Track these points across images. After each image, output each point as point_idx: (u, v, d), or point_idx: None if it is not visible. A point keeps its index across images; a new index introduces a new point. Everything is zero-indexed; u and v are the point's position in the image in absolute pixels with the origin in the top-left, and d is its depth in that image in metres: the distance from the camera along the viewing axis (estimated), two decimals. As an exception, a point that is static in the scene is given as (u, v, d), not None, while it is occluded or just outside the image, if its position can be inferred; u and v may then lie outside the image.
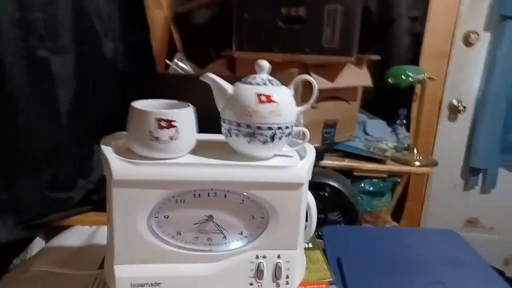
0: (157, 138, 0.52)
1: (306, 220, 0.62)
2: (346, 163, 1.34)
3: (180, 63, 1.27)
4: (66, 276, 0.61)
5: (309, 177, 0.57)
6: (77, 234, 0.79)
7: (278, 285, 0.58)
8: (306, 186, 0.57)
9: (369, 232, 0.98)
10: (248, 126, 0.54)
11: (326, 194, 1.06)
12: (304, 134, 0.60)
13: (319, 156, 1.29)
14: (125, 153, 0.54)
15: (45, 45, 0.72)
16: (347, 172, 1.28)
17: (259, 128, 0.54)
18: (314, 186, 0.62)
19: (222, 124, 0.58)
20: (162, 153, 0.53)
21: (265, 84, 0.56)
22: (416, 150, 1.38)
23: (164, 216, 0.55)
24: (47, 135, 0.77)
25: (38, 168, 0.78)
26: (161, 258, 0.55)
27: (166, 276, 0.55)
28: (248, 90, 0.55)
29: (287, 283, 0.58)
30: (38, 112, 0.75)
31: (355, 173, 1.35)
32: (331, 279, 0.65)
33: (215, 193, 0.55)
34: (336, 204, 1.07)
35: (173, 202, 0.54)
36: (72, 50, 0.78)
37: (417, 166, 1.35)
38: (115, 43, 0.96)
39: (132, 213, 0.53)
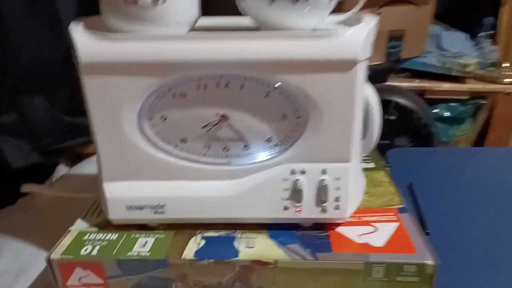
0: (134, 1, 0.34)
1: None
2: (416, 83, 1.08)
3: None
4: (70, 200, 0.50)
5: (367, 55, 0.37)
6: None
7: (324, 210, 0.40)
8: (362, 67, 0.36)
9: (447, 153, 0.75)
10: (268, -27, 0.34)
11: (392, 115, 0.83)
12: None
13: (383, 76, 1.04)
14: (101, 31, 0.37)
15: None
16: (417, 95, 1.03)
17: (285, -26, 0.34)
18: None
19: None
20: (146, 23, 0.35)
21: None
22: (507, 65, 1.08)
23: (161, 117, 0.38)
24: (51, 50, 0.64)
25: (48, 89, 0.65)
26: (163, 174, 0.40)
27: (172, 196, 0.40)
28: None
29: (337, 207, 0.40)
30: (33, 23, 0.61)
31: (427, 96, 1.09)
32: (401, 206, 0.45)
33: (228, 83, 0.37)
34: (404, 126, 0.84)
35: (169, 97, 0.37)
36: None
37: (507, 83, 1.06)
38: None
39: (115, 112, 0.37)
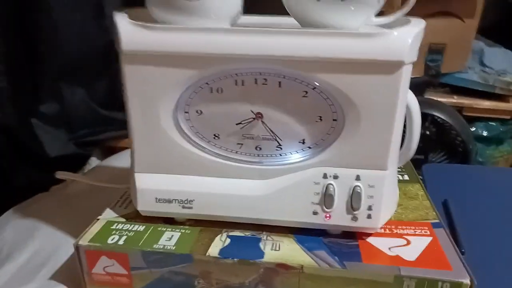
0: (180, -8, 0.34)
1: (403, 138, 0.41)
2: (454, 99, 1.04)
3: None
4: (101, 190, 0.50)
5: (413, 58, 0.35)
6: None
7: (355, 218, 0.38)
8: (407, 70, 0.35)
9: (484, 172, 0.71)
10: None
11: (428, 129, 0.80)
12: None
13: (420, 89, 1.01)
14: (145, 21, 0.37)
15: None
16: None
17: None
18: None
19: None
20: (188, 15, 0.35)
21: None
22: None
23: (196, 111, 0.38)
24: (93, 44, 0.66)
25: (87, 82, 0.67)
26: (194, 169, 0.39)
27: (201, 192, 0.40)
28: None
29: (368, 216, 0.38)
30: (79, 16, 0.63)
31: (465, 113, 1.04)
32: (436, 221, 0.43)
33: (265, 80, 0.36)
34: (441, 142, 0.81)
35: (207, 91, 0.37)
36: None
37: (555, 105, 1.00)
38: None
39: (153, 102, 0.37)
